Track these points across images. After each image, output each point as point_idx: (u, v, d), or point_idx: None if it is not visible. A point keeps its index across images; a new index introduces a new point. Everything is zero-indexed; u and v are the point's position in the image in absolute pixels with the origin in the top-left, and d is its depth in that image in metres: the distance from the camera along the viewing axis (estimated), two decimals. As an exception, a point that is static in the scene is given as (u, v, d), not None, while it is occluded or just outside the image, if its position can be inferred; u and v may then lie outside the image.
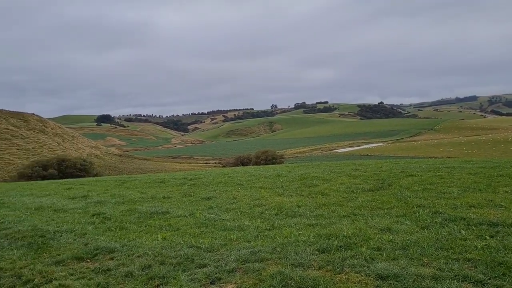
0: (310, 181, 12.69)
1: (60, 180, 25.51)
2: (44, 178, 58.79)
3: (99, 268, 5.75)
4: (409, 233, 6.17)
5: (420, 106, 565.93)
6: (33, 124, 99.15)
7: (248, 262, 5.41)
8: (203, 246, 6.35)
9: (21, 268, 5.95)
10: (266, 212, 8.71)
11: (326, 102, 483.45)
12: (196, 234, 7.22)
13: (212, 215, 8.67)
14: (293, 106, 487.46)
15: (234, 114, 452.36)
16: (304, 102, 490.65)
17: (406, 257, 5.16)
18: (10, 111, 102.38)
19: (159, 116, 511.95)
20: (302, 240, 6.17)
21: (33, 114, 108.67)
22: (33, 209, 10.76)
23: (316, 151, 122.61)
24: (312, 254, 5.53)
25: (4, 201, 12.66)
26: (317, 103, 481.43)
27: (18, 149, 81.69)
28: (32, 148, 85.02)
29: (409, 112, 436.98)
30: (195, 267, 5.47)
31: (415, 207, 7.91)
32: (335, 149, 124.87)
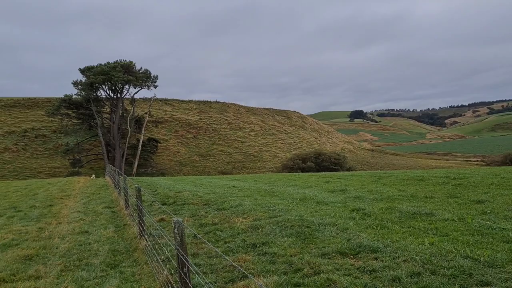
0: None
1: (318, 173, 27.16)
2: (303, 170, 64.26)
3: (363, 267, 5.57)
4: None
5: None
6: (294, 121, 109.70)
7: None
8: (482, 258, 5.43)
9: (291, 256, 6.30)
10: None
11: None
12: (470, 243, 6.28)
13: (488, 222, 7.45)
14: None
15: (502, 106, 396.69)
16: None
17: None
18: (276, 109, 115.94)
19: (413, 110, 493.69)
20: None
21: (295, 111, 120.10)
22: (298, 199, 11.54)
23: None
24: None
25: (274, 191, 14.09)
26: None
27: (282, 143, 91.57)
28: (294, 142, 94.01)
29: None
30: (475, 284, 4.66)
31: None
32: None
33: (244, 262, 6.18)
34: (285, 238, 7.32)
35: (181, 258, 4.12)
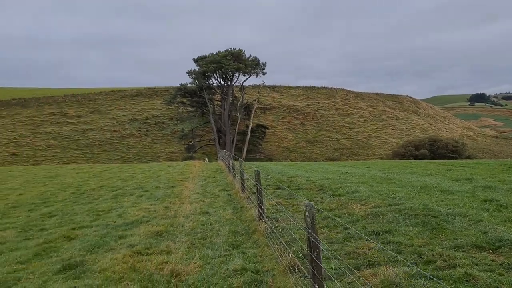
0: None
1: (436, 161, 25.45)
2: (416, 157, 60.77)
3: (507, 263, 5.00)
4: None
5: None
6: (406, 106, 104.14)
7: None
8: None
9: (420, 246, 5.91)
10: None
11: None
12: None
13: None
14: None
15: None
16: None
17: None
18: (386, 94, 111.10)
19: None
20: None
21: (407, 96, 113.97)
22: (418, 187, 10.86)
23: None
24: None
25: (390, 178, 13.46)
26: None
27: (393, 129, 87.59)
28: (405, 128, 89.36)
29: None
30: None
31: None
32: None
33: (369, 250, 5.95)
34: (410, 227, 6.90)
35: (313, 241, 4.05)
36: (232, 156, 17.42)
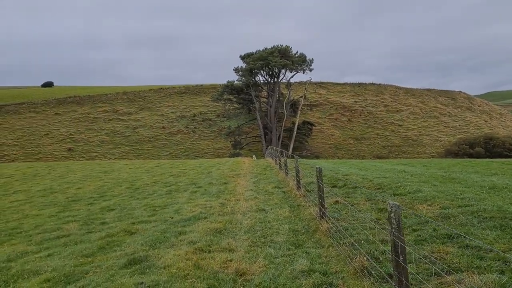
0: None
1: (499, 160, 24.15)
2: (470, 156, 58.13)
3: None
4: None
5: None
6: (460, 102, 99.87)
7: None
8: None
9: (503, 252, 5.47)
10: None
11: None
12: None
13: None
14: None
15: None
16: None
17: None
18: (437, 89, 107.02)
19: None
20: None
21: (460, 91, 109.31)
22: (487, 187, 10.22)
23: None
24: None
25: (453, 177, 12.80)
26: None
27: (445, 126, 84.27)
28: (459, 125, 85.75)
29: None
30: None
31: None
32: None
33: (447, 254, 5.57)
34: (487, 231, 6.43)
35: (400, 245, 3.78)
36: (285, 153, 17.22)
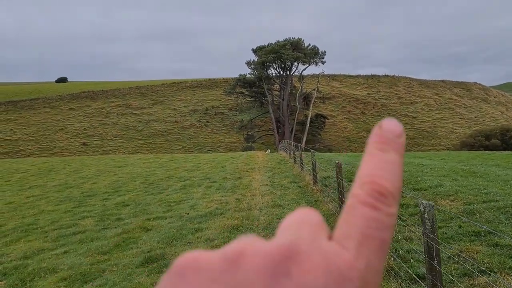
0: None
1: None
2: (486, 148, 57.14)
3: None
4: None
5: None
6: (475, 93, 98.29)
7: None
8: None
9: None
10: None
11: None
12: None
13: None
14: None
15: None
16: None
17: None
18: (452, 81, 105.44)
19: None
20: None
21: (475, 82, 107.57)
22: (511, 181, 9.90)
23: None
24: None
25: (474, 171, 12.46)
26: None
27: (460, 118, 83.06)
28: (475, 117, 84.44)
29: None
30: None
31: None
32: None
33: (476, 254, 5.33)
34: (519, 228, 6.17)
35: (435, 247, 3.57)
36: (300, 146, 16.98)
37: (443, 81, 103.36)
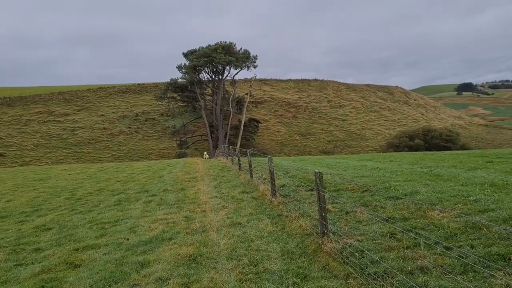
0: None
1: (464, 151, 24.06)
2: (410, 148, 59.52)
3: None
4: None
5: None
6: (397, 96, 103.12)
7: None
8: None
9: None
10: None
11: None
12: None
13: None
14: None
15: None
16: None
17: None
18: (376, 85, 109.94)
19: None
20: None
21: (397, 86, 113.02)
22: (486, 185, 9.14)
23: None
24: None
25: (438, 173, 11.73)
26: None
27: (385, 120, 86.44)
28: (398, 119, 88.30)
29: None
30: None
31: None
32: None
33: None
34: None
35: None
36: (248, 152, 15.55)
37: (368, 85, 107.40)
